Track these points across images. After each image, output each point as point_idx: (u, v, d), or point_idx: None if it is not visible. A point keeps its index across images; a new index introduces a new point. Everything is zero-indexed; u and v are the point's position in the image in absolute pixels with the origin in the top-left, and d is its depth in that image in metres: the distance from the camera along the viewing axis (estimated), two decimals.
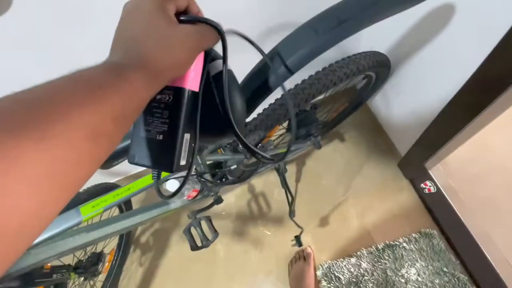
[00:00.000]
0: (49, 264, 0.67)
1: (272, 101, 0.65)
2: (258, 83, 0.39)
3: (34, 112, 0.15)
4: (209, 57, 0.30)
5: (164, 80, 0.25)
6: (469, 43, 0.63)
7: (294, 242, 1.09)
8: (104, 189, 0.86)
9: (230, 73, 0.32)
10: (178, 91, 0.28)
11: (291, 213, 1.10)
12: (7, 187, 0.13)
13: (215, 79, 0.31)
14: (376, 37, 0.95)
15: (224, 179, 0.91)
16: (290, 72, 0.36)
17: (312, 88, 0.60)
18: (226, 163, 0.78)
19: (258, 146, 0.74)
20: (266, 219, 1.19)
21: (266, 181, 1.28)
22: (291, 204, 1.04)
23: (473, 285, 0.90)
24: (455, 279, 0.91)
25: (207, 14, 0.30)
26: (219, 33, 0.29)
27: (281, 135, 0.94)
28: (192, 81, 0.29)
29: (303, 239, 1.09)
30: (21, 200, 0.14)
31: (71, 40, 0.63)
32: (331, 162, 1.24)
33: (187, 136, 0.29)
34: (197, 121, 0.30)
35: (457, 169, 1.09)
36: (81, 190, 0.89)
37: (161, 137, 0.28)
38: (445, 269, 0.93)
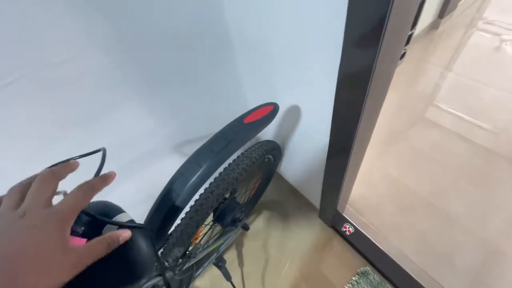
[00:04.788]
0: None
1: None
2: (164, 213, 0.45)
3: None
4: None
5: None
6: (317, 118, 0.86)
7: None
8: None
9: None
10: None
11: None
12: None
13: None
14: (269, 130, 1.17)
15: None
16: (185, 202, 0.44)
17: (219, 188, 0.69)
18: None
19: (186, 254, 0.74)
20: None
21: (211, 277, 1.22)
22: None
23: None
24: None
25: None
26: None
27: (207, 232, 0.97)
28: None
29: None
30: None
31: None
32: (266, 235, 1.30)
33: None
34: None
35: (362, 206, 1.32)
36: None
37: None
38: None
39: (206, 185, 0.72)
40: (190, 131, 0.97)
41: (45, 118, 0.59)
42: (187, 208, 0.70)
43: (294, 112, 0.90)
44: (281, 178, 1.46)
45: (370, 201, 1.34)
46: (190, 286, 1.18)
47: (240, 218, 0.98)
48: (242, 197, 1.17)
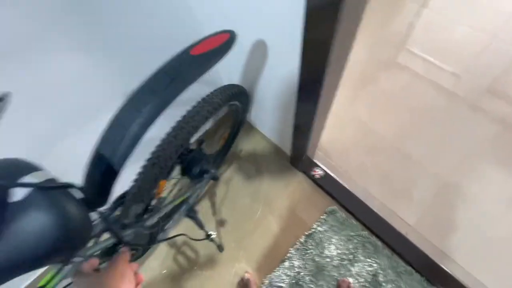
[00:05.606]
0: None
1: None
2: (101, 168, 0.38)
3: None
4: None
5: None
6: (284, 56, 0.78)
7: (233, 274, 1.09)
8: None
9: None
10: None
11: (219, 248, 1.10)
12: None
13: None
14: (233, 74, 1.06)
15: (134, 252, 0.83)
16: (126, 153, 0.37)
17: (178, 139, 0.62)
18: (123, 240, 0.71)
19: (149, 208, 0.71)
20: (200, 263, 1.15)
21: (186, 228, 1.23)
22: (214, 241, 1.03)
23: (372, 235, 1.11)
24: (361, 237, 1.11)
25: None
26: None
27: (175, 184, 0.93)
28: None
29: (240, 267, 1.11)
30: None
31: None
32: (239, 184, 1.30)
33: None
34: None
35: (331, 150, 1.34)
36: None
37: None
38: (352, 233, 1.12)
39: (163, 135, 0.65)
40: (137, 71, 0.84)
41: None
42: (143, 162, 0.63)
43: (261, 51, 0.80)
44: (252, 127, 1.41)
45: (339, 145, 1.36)
46: (167, 239, 1.18)
47: (208, 169, 0.94)
48: (212, 147, 1.12)
